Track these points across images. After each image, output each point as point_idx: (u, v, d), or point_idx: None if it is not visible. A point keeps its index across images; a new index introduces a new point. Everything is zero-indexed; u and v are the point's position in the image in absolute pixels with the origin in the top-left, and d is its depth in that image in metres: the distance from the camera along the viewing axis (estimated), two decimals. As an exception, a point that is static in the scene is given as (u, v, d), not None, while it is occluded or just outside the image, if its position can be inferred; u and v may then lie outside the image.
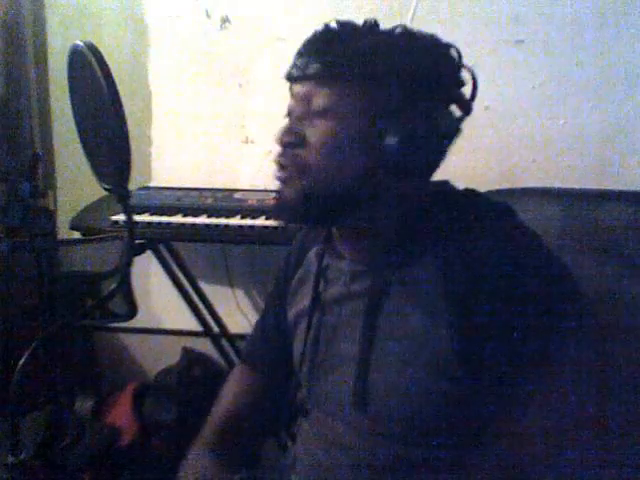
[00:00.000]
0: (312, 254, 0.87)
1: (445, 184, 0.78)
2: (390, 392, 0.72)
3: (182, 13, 1.77)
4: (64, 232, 1.59)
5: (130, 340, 2.04)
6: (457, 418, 0.70)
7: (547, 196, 1.01)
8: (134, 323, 1.50)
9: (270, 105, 1.78)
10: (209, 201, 1.57)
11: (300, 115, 0.73)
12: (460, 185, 0.79)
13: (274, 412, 0.95)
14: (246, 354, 1.02)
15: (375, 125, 0.69)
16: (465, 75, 0.74)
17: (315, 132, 0.71)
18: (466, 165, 1.69)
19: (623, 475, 0.69)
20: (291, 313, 0.89)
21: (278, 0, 1.70)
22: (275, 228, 1.40)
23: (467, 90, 0.74)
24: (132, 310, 1.38)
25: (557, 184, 1.07)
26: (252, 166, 1.79)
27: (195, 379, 1.82)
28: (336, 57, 0.69)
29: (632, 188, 1.02)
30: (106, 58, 0.74)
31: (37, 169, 0.87)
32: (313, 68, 0.70)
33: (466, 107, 0.73)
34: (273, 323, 0.95)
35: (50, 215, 0.85)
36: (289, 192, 0.73)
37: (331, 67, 0.69)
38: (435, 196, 0.75)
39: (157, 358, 1.96)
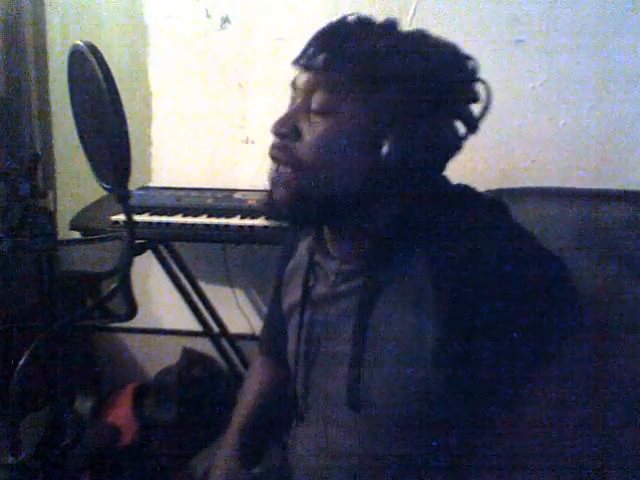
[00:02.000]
0: (302, 247, 0.87)
1: (439, 179, 0.76)
2: (382, 391, 0.72)
3: (182, 13, 1.77)
4: (64, 232, 1.59)
5: (130, 340, 2.04)
6: (453, 418, 0.70)
7: (547, 196, 1.01)
8: (134, 323, 1.50)
9: (270, 105, 1.79)
10: (209, 201, 1.57)
11: (299, 107, 0.72)
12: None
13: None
14: (262, 346, 1.02)
15: (375, 130, 0.67)
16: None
17: (312, 130, 0.70)
18: (466, 165, 1.68)
19: (623, 474, 0.69)
20: (285, 304, 0.90)
21: (278, 0, 1.70)
22: (275, 228, 1.40)
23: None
24: (132, 310, 1.38)
25: (557, 184, 1.07)
26: (252, 166, 1.79)
27: (195, 379, 1.82)
28: (345, 53, 0.67)
29: (632, 188, 1.02)
30: (106, 58, 0.74)
31: (37, 169, 0.86)
32: (319, 60, 0.68)
33: (472, 125, 0.70)
34: (278, 315, 0.95)
35: (50, 215, 0.85)
36: (281, 191, 0.72)
37: (338, 63, 0.67)
38: (427, 193, 0.74)
39: (157, 358, 1.96)
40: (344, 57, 0.67)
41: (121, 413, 1.80)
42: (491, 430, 0.69)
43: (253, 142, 1.79)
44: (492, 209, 0.73)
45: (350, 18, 0.70)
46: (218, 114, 1.79)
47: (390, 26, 0.70)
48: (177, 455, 1.56)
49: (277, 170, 0.73)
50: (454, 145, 0.71)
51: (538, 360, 0.66)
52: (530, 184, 1.08)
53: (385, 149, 0.67)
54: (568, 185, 1.05)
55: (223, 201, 1.57)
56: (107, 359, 2.02)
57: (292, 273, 0.89)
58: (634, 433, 0.72)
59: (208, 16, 1.75)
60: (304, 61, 0.71)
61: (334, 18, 0.72)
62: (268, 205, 0.74)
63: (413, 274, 0.70)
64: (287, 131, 0.71)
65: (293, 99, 0.74)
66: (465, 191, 0.76)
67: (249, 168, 1.80)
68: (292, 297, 0.87)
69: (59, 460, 0.84)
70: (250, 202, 1.55)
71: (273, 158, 0.73)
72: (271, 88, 1.70)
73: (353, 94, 0.68)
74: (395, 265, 0.72)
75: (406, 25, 0.72)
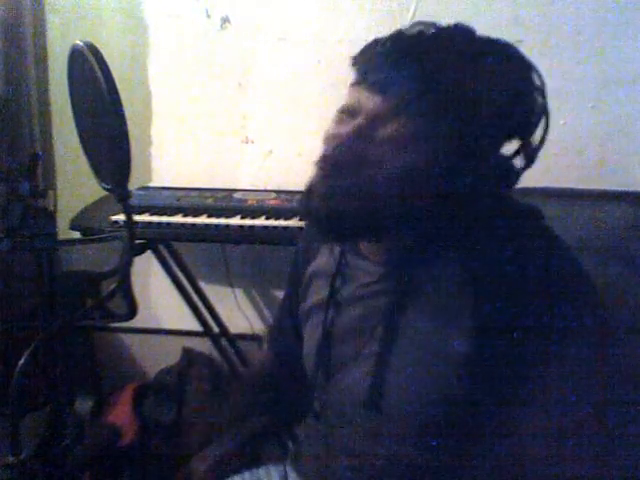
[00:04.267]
0: (325, 249, 0.86)
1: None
2: (405, 393, 0.72)
3: (182, 13, 1.77)
4: (64, 232, 1.59)
5: (130, 340, 2.04)
6: (464, 419, 0.70)
7: (547, 196, 1.01)
8: (134, 323, 1.50)
9: (270, 105, 1.79)
10: (209, 201, 1.57)
11: (364, 133, 0.66)
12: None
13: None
14: (269, 342, 1.03)
15: (450, 160, 0.65)
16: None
17: (382, 159, 0.65)
18: (466, 165, 1.68)
19: (623, 475, 0.69)
20: (303, 306, 0.88)
21: (278, 0, 1.70)
22: (275, 228, 1.40)
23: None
24: (132, 310, 1.38)
25: (557, 184, 1.07)
26: (252, 166, 1.79)
27: (195, 379, 1.82)
28: (426, 84, 0.62)
29: (632, 188, 1.02)
30: (106, 58, 0.74)
31: (37, 169, 0.87)
32: (399, 86, 0.63)
33: (531, 157, 0.69)
34: (290, 318, 0.94)
35: (50, 215, 0.85)
36: (338, 206, 0.67)
37: (417, 95, 0.62)
38: (460, 197, 0.71)
39: (157, 358, 1.96)
40: (428, 84, 0.62)
41: (121, 413, 1.80)
42: (491, 431, 0.69)
43: (253, 142, 1.79)
44: (525, 215, 0.73)
45: (417, 28, 0.67)
46: (218, 114, 1.79)
47: (470, 42, 0.68)
48: (177, 455, 1.56)
49: (318, 178, 0.69)
50: (516, 176, 0.70)
51: (539, 360, 0.66)
52: (530, 184, 1.08)
53: (459, 180, 0.65)
54: (568, 185, 1.05)
55: (223, 201, 1.57)
56: (107, 359, 2.02)
57: (316, 274, 0.87)
58: (634, 433, 0.72)
59: (208, 16, 1.75)
60: (375, 83, 0.65)
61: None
62: (308, 210, 0.70)
63: (445, 279, 0.70)
64: (350, 160, 0.66)
65: (351, 107, 0.68)
66: (501, 197, 0.74)
67: (249, 168, 1.80)
68: (316, 297, 0.85)
69: (59, 460, 0.84)
70: (250, 202, 1.55)
71: (322, 170, 0.69)
72: (271, 88, 1.70)
73: (425, 127, 0.63)
74: (428, 269, 0.72)
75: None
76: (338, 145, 0.67)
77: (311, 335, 0.85)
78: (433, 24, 0.67)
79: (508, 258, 0.67)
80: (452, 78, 0.62)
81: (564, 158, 1.56)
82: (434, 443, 0.72)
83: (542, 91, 0.68)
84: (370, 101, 0.66)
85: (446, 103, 0.63)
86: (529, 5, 1.54)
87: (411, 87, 0.63)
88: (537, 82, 0.68)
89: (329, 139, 0.69)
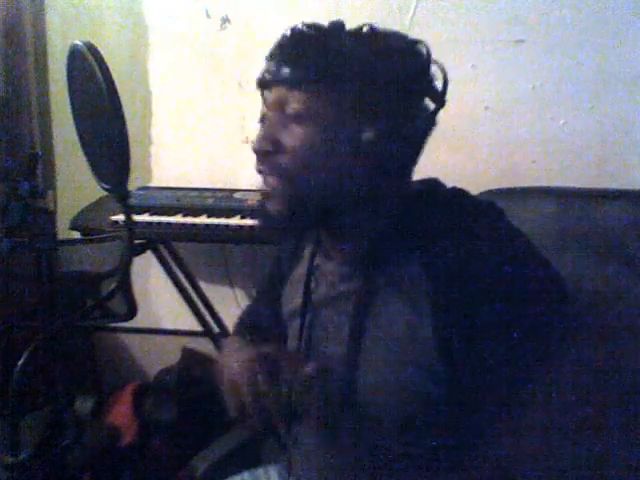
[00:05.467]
0: (307, 252, 0.87)
1: (433, 182, 0.78)
2: (377, 393, 0.72)
3: (182, 13, 1.77)
4: (64, 232, 1.59)
5: (130, 340, 2.04)
6: (452, 419, 0.70)
7: (547, 196, 1.01)
8: (134, 323, 1.50)
9: (270, 105, 1.79)
10: (209, 201, 1.57)
11: (274, 121, 0.73)
12: (460, 185, 0.78)
13: None
14: (237, 330, 1.01)
15: (351, 126, 0.69)
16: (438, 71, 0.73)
17: (292, 137, 0.71)
18: (466, 165, 1.69)
19: (623, 475, 0.69)
20: (285, 310, 0.90)
21: (278, 0, 1.70)
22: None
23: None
24: (132, 310, 1.38)
25: (557, 184, 1.07)
26: (252, 166, 1.79)
27: (195, 379, 1.82)
28: (308, 60, 0.69)
29: (632, 188, 1.02)
30: (106, 58, 0.74)
31: (37, 169, 0.87)
32: (285, 72, 0.70)
33: (439, 99, 0.73)
34: (266, 313, 0.95)
35: (50, 215, 0.85)
36: (274, 205, 0.73)
37: (303, 70, 0.69)
38: (421, 195, 0.75)
39: (157, 358, 1.96)
40: (308, 66, 0.69)
41: (121, 413, 1.80)
42: (491, 431, 0.69)
43: (253, 142, 1.78)
44: (486, 211, 0.74)
45: (299, 27, 0.72)
46: (218, 114, 1.79)
47: (339, 28, 0.73)
48: (177, 455, 1.56)
49: (266, 184, 0.75)
50: (428, 122, 0.73)
51: (538, 361, 0.66)
52: (530, 184, 1.08)
53: (365, 136, 0.69)
54: (568, 185, 1.05)
55: (223, 201, 1.57)
56: (107, 359, 2.02)
57: (297, 280, 0.88)
58: (634, 433, 0.72)
59: (208, 16, 1.75)
60: (270, 78, 0.72)
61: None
62: (263, 222, 0.76)
63: (409, 276, 0.71)
64: (270, 147, 0.73)
65: (264, 115, 0.76)
66: (459, 194, 0.76)
67: (249, 168, 1.79)
68: (293, 303, 0.87)
69: (59, 460, 0.84)
70: (250, 202, 1.55)
71: (260, 172, 0.75)
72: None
73: (324, 97, 0.70)
74: (392, 267, 0.72)
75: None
76: (258, 142, 0.74)
77: (292, 339, 0.86)
78: (311, 24, 0.73)
79: (466, 255, 0.67)
80: (336, 51, 0.69)
81: (564, 158, 1.56)
82: (434, 443, 0.71)
83: (419, 43, 0.72)
84: (271, 93, 0.73)
85: (324, 78, 0.69)
86: (529, 5, 1.54)
87: (300, 69, 0.70)
88: (410, 39, 0.72)
89: (253, 143, 0.75)
